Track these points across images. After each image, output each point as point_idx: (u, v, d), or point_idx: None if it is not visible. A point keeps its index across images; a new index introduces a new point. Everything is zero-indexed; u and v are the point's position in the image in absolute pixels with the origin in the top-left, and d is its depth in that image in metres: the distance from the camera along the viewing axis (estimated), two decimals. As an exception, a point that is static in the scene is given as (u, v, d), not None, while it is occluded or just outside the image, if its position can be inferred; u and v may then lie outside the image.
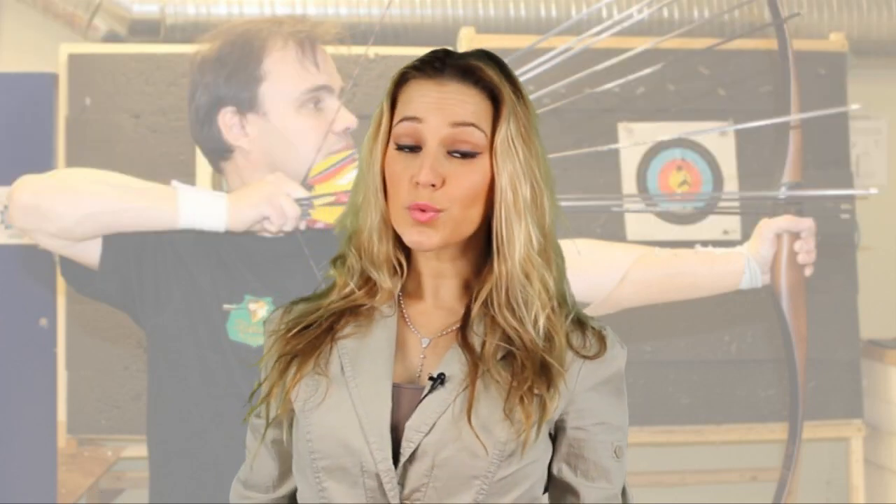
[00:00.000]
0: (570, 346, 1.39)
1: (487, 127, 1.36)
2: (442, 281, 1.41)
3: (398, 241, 1.40)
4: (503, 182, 1.35)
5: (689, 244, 2.91)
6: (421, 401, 1.35)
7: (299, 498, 1.43)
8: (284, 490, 1.51)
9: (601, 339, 1.41)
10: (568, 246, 2.95)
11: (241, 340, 2.62)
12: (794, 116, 2.79)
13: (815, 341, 3.32)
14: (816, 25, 4.10)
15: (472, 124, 1.35)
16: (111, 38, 3.94)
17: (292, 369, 1.40)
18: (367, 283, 1.41)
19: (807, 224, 2.75)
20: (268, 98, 2.68)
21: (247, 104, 2.68)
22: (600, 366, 1.40)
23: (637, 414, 3.86)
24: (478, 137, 1.35)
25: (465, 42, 3.85)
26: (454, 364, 1.36)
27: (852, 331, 3.95)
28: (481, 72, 1.38)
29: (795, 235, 2.74)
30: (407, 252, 1.41)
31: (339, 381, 1.37)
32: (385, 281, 1.39)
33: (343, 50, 2.88)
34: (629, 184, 3.86)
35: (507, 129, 1.36)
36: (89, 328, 3.74)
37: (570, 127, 3.84)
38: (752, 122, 3.01)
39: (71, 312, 3.74)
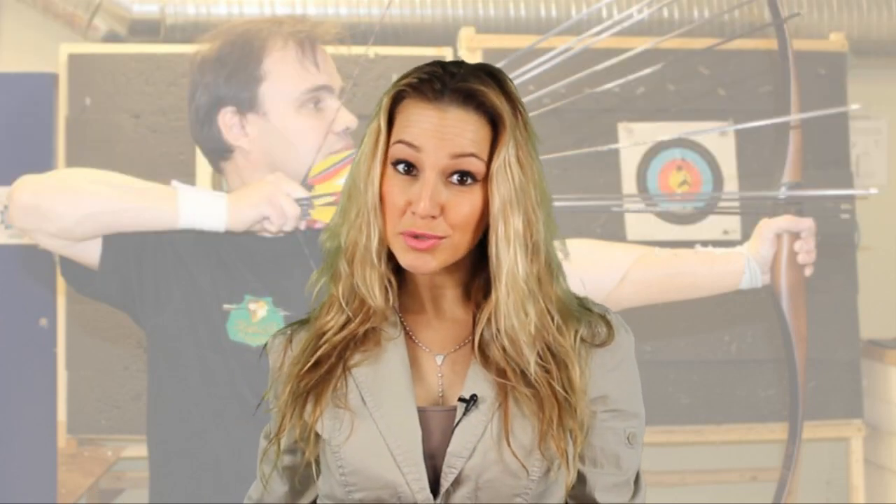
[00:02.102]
0: (581, 339, 1.39)
1: (485, 153, 1.34)
2: (440, 292, 1.40)
3: (390, 259, 1.39)
4: (495, 210, 1.34)
5: (689, 244, 2.91)
6: (457, 424, 1.34)
7: None
8: None
9: (608, 325, 1.41)
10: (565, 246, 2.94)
11: (241, 340, 2.62)
12: (794, 116, 2.79)
13: (815, 341, 3.31)
14: (816, 25, 4.10)
15: (472, 154, 1.34)
16: (111, 38, 3.94)
17: (309, 406, 1.38)
18: (362, 305, 1.39)
19: (807, 224, 2.75)
20: (268, 98, 2.68)
21: (247, 104, 2.68)
22: (610, 353, 1.41)
23: (637, 414, 3.89)
24: (476, 166, 1.34)
25: (465, 42, 3.85)
26: (481, 383, 1.35)
27: (852, 331, 3.95)
28: (483, 96, 1.35)
29: (795, 235, 2.74)
30: (398, 268, 1.40)
31: (363, 412, 1.36)
32: (376, 300, 1.38)
33: (343, 50, 2.88)
34: (629, 184, 3.86)
35: (504, 155, 1.34)
36: (89, 328, 3.74)
37: (570, 127, 3.84)
38: (752, 122, 3.01)
39: (71, 312, 3.74)
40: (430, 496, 1.33)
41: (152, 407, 2.74)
